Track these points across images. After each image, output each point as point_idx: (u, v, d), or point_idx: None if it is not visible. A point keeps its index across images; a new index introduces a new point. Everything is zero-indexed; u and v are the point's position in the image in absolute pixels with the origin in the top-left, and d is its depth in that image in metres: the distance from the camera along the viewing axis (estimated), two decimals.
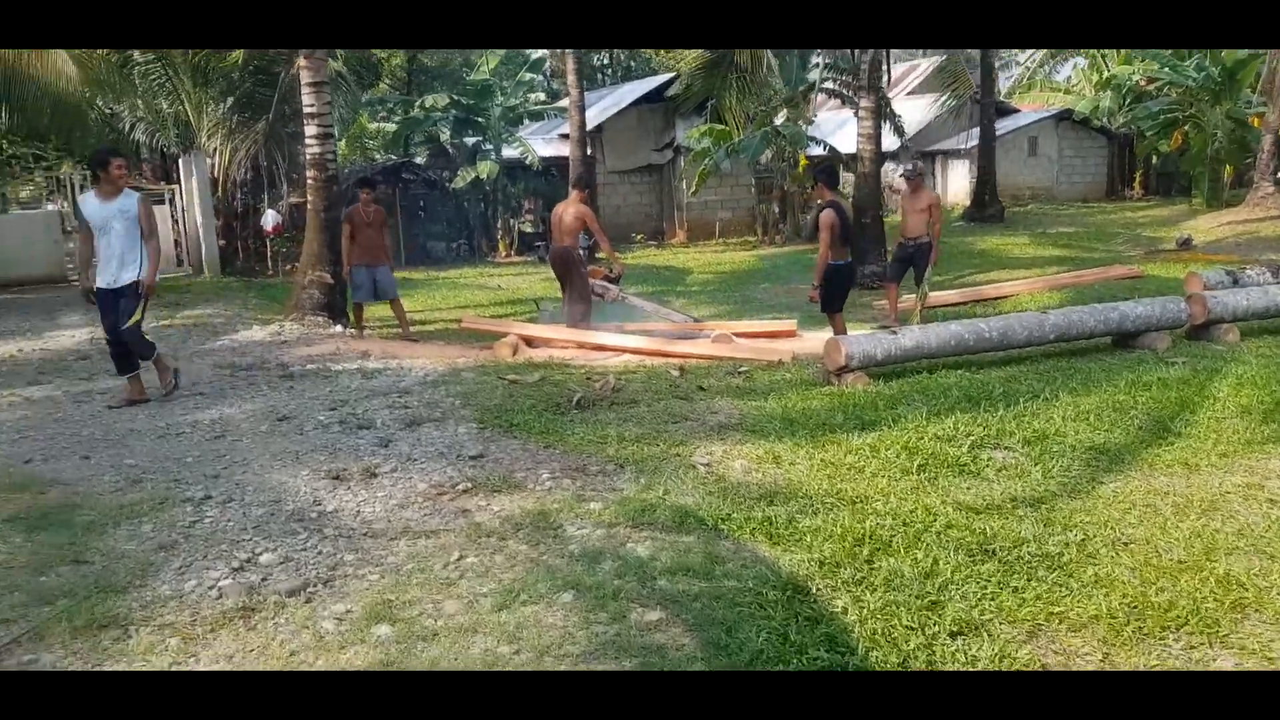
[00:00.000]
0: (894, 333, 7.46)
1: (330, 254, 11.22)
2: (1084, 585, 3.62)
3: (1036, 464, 5.07)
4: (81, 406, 6.92)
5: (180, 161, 17.82)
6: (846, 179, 18.24)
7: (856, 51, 13.46)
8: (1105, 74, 31.43)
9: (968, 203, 25.79)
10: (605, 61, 36.10)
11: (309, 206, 11.37)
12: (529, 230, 22.82)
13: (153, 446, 5.64)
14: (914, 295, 10.58)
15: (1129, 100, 30.51)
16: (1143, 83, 30.33)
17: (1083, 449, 5.29)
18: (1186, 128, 26.28)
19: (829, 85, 22.08)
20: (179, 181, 17.81)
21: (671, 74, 23.65)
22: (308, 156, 11.29)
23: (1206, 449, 5.23)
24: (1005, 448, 5.42)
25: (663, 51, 35.71)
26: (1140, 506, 4.44)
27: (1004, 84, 36.02)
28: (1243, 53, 24.23)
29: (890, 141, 24.94)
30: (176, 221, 17.75)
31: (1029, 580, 3.66)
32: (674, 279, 16.41)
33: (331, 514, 4.45)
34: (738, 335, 9.62)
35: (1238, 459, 5.08)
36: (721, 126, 20.50)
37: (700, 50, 16.48)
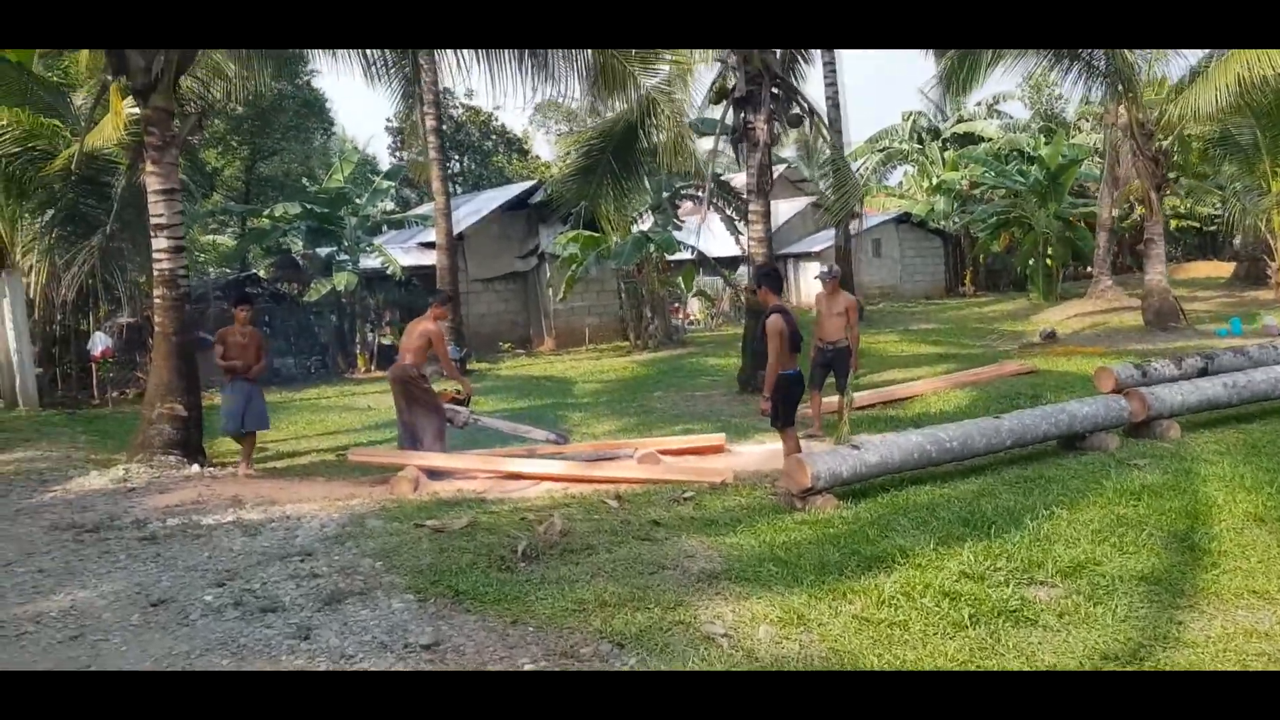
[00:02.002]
0: (855, 447, 6.81)
1: (183, 382, 9.75)
2: None
3: (1095, 604, 4.42)
4: None
5: None
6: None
7: (740, 157, 13.27)
8: (934, 179, 33.24)
9: None
10: (457, 170, 35.48)
11: (158, 329, 9.89)
12: (388, 343, 21.45)
13: None
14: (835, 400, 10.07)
15: (957, 204, 32.34)
16: (965, 186, 32.29)
17: (1130, 580, 4.69)
18: (1014, 229, 27.93)
19: (690, 191, 22.12)
20: None
21: (533, 181, 23.22)
22: (156, 273, 9.87)
23: (1259, 571, 4.72)
24: (1043, 583, 4.77)
25: (516, 160, 35.57)
26: (1252, 654, 3.81)
27: None
28: (1064, 158, 26.06)
29: (733, 246, 25.27)
30: None
31: None
32: (559, 390, 15.50)
33: None
34: (662, 452, 8.79)
35: None
36: (589, 233, 20.07)
37: (572, 156, 16.10)
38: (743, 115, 12.41)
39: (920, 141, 35.91)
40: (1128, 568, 4.88)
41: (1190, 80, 15.77)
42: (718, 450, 9.00)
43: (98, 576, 5.47)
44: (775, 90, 12.30)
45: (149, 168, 9.81)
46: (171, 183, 9.86)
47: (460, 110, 34.58)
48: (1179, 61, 17.25)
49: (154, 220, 9.77)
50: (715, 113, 15.29)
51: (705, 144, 16.70)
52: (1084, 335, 17.91)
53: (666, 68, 9.61)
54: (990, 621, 4.28)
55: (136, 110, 12.33)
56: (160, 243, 9.77)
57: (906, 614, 4.36)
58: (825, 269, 10.10)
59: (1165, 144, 16.46)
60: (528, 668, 3.90)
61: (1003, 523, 5.70)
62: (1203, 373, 10.19)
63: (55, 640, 4.42)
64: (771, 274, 7.25)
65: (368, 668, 3.93)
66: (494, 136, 36.26)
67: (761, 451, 8.96)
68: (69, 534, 6.66)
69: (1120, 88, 15.36)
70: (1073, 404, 8.00)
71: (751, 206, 12.79)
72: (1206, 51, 15.32)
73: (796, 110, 12.89)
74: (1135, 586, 4.60)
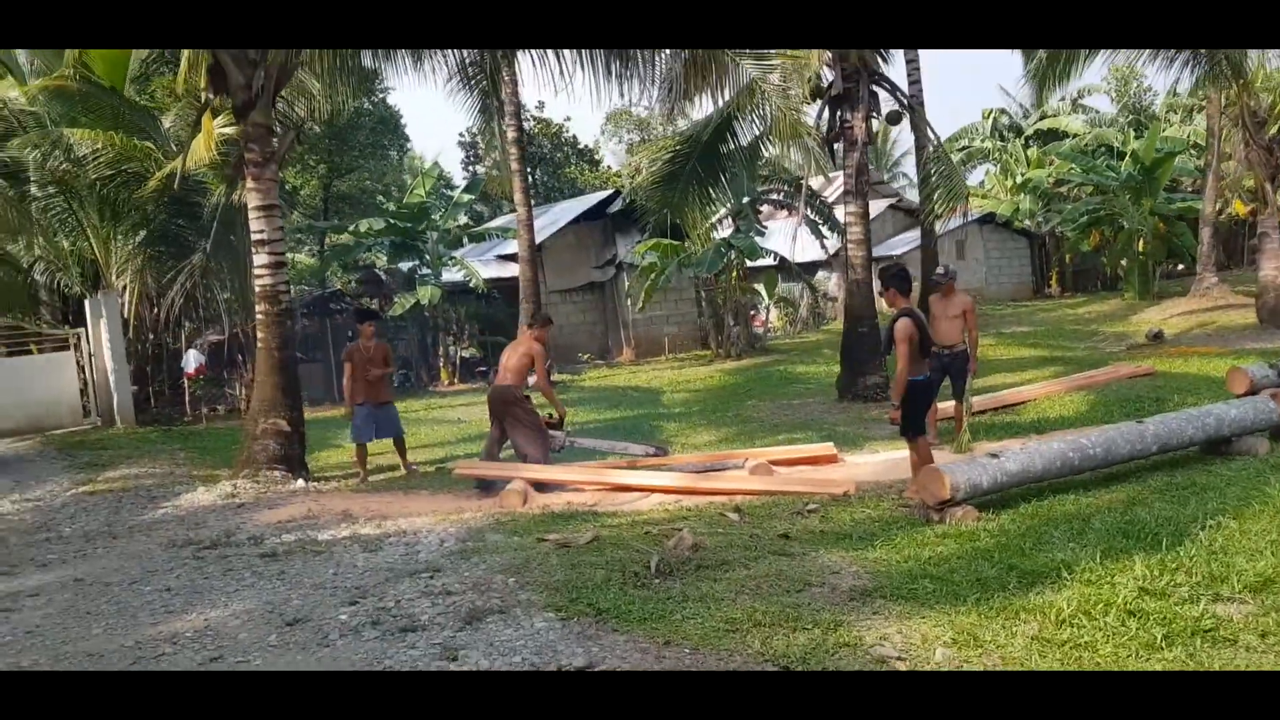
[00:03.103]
0: (994, 455, 6.44)
1: (286, 398, 9.78)
2: None
3: None
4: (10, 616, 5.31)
5: (87, 303, 16.07)
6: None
7: (837, 157, 12.93)
8: (1018, 178, 32.33)
9: None
10: (530, 182, 35.61)
11: (260, 344, 9.93)
12: (468, 355, 21.51)
13: None
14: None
15: (1042, 203, 31.40)
16: (1051, 184, 31.34)
17: None
18: (1104, 227, 26.96)
19: (773, 195, 21.77)
20: (85, 324, 16.02)
21: (610, 190, 23.10)
22: (258, 289, 9.92)
23: None
24: (1231, 599, 4.38)
25: (588, 170, 35.58)
26: None
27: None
28: (1160, 151, 25.06)
29: (818, 250, 24.82)
30: (83, 369, 15.90)
31: None
32: (648, 401, 15.29)
33: None
34: (773, 463, 8.50)
35: None
36: (668, 241, 19.87)
37: (646, 165, 15.91)
38: (839, 113, 12.08)
39: (1002, 139, 35.00)
40: None
41: None
42: (831, 460, 8.68)
43: (226, 595, 5.38)
44: (872, 88, 11.96)
45: (249, 184, 9.87)
46: (271, 199, 9.90)
47: (531, 122, 34.72)
48: None
49: (255, 236, 9.82)
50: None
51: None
52: (1193, 335, 17.12)
53: (776, 61, 9.31)
54: (1186, 642, 3.92)
55: (228, 130, 12.54)
56: (261, 258, 9.81)
57: (1090, 635, 4.02)
58: (941, 270, 9.67)
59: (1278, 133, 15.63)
60: None
61: (1167, 534, 5.30)
62: None
63: (195, 663, 4.31)
64: (900, 274, 6.89)
65: None
66: (565, 148, 36.32)
67: (878, 461, 8.62)
68: (187, 550, 6.64)
69: (1229, 74, 14.62)
70: (1219, 406, 7.51)
71: (849, 208, 12.45)
72: None
73: (896, 107, 12.52)
74: None
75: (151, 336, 17.98)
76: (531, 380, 9.25)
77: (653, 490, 7.99)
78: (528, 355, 9.07)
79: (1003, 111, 36.01)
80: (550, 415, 9.26)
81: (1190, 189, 29.58)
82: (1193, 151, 29.40)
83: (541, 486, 8.28)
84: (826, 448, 8.86)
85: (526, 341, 9.27)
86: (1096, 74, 45.00)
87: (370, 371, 9.96)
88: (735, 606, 4.58)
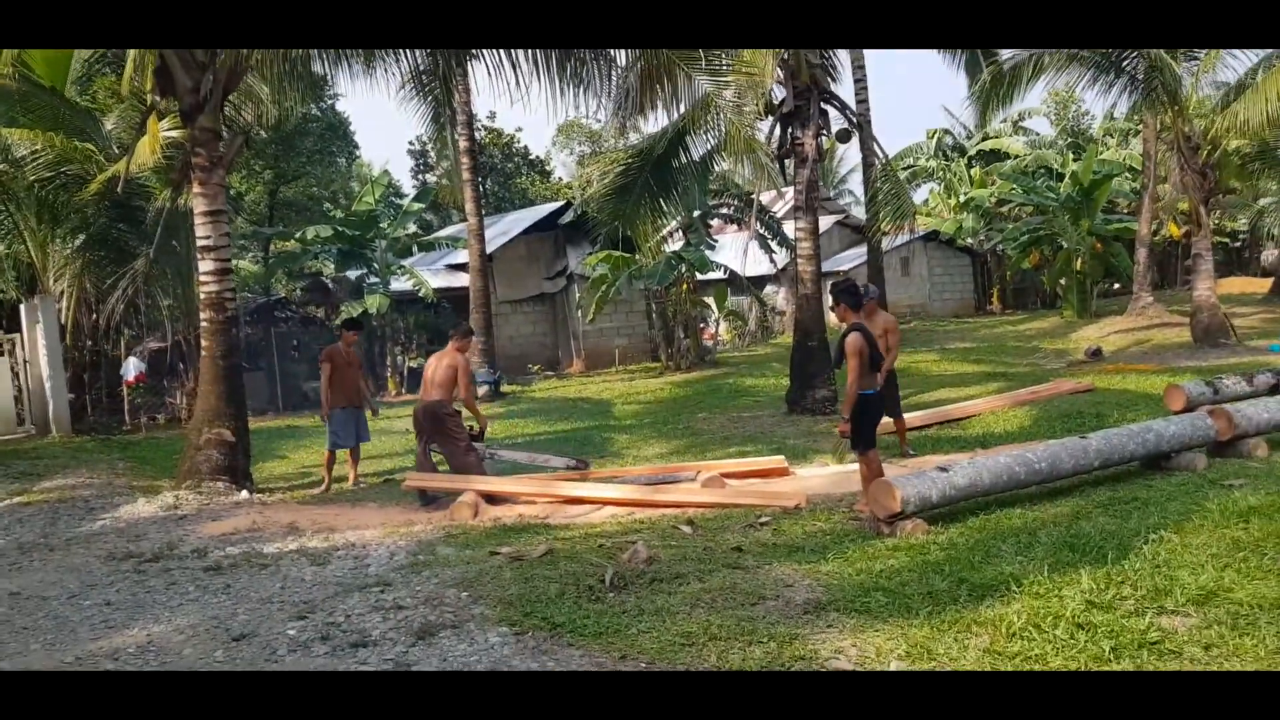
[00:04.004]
0: (944, 469, 6.53)
1: (230, 407, 9.58)
2: None
3: (1240, 635, 4.13)
4: None
5: (23, 307, 15.60)
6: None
7: (787, 173, 13.06)
8: (961, 197, 32.99)
9: None
10: (481, 191, 35.43)
11: (204, 352, 9.71)
12: (416, 366, 21.26)
13: None
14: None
15: (984, 222, 32.07)
16: (993, 203, 32.05)
17: (1269, 608, 4.40)
18: (1044, 246, 27.63)
19: (723, 210, 21.93)
20: (20, 330, 15.54)
21: (561, 202, 23.06)
22: (203, 296, 9.70)
23: None
24: (1175, 612, 4.48)
25: (538, 181, 35.53)
26: None
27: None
28: (1097, 173, 25.77)
29: (767, 264, 25.03)
30: (17, 375, 15.41)
31: None
32: (599, 412, 15.26)
33: None
34: (724, 475, 8.53)
35: None
36: (619, 253, 19.89)
37: (598, 177, 15.93)
38: (790, 130, 12.22)
39: (946, 158, 35.69)
40: (1261, 595, 4.58)
41: (1236, 93, 15.52)
42: (782, 473, 8.74)
43: (169, 609, 5.24)
44: (823, 105, 12.12)
45: (196, 189, 9.68)
46: (218, 204, 9.73)
47: (483, 132, 34.58)
48: (1225, 72, 16.98)
49: (201, 241, 9.63)
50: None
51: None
52: (1130, 353, 17.58)
53: (731, 77, 9.37)
54: (1133, 654, 4.00)
55: (174, 133, 12.27)
56: (207, 265, 9.62)
57: (1041, 647, 4.08)
58: (864, 289, 9.78)
59: (1214, 157, 16.15)
60: None
61: (1112, 547, 5.42)
62: (1274, 390, 9.92)
63: None
64: (850, 289, 6.98)
65: None
66: (516, 158, 36.24)
67: (828, 474, 8.69)
68: (128, 564, 6.47)
69: (1164, 100, 15.11)
70: (1158, 423, 7.71)
71: (799, 223, 12.58)
72: (1258, 58, 15.11)
73: (845, 125, 12.70)
74: (1279, 615, 4.31)
75: (90, 343, 17.49)
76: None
77: (605, 503, 7.96)
78: (451, 368, 8.90)
79: (947, 132, 36.73)
80: (472, 427, 9.16)
81: (1126, 210, 30.46)
82: (1129, 174, 30.26)
83: (492, 499, 8.20)
84: (776, 461, 8.92)
85: (449, 354, 9.05)
86: (1037, 97, 46.10)
87: (347, 373, 10.05)
88: (690, 620, 4.58)
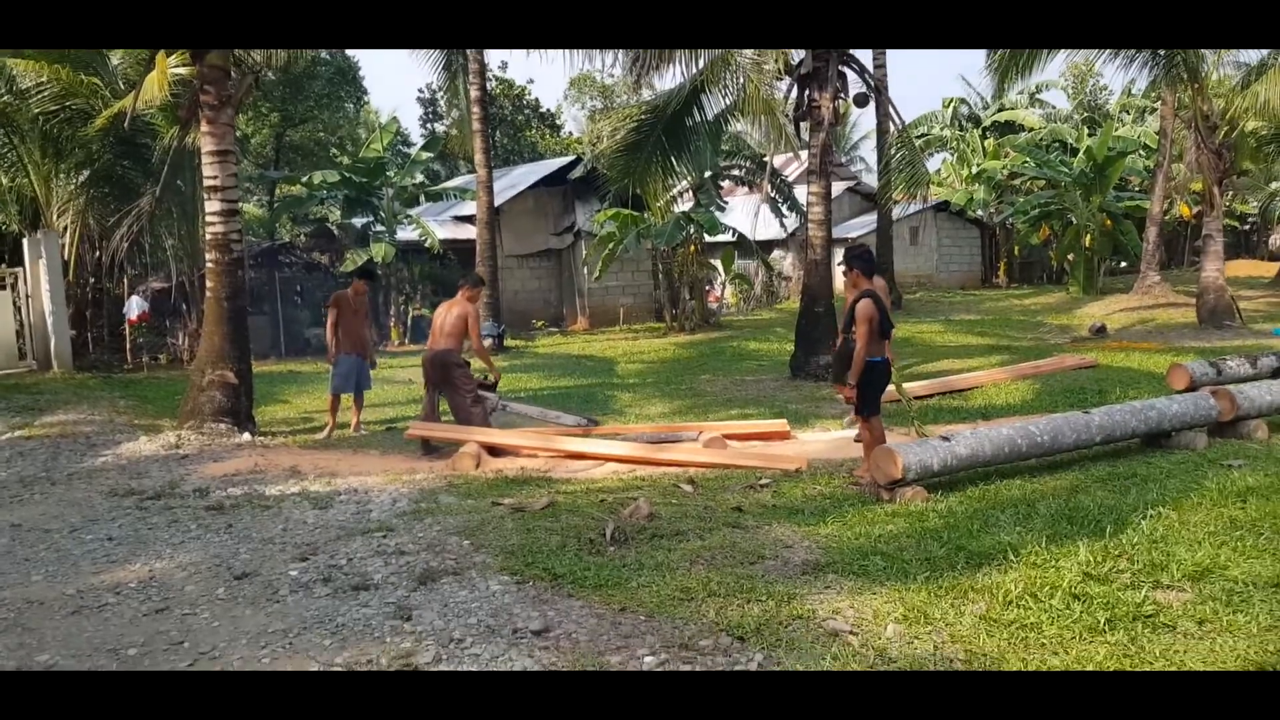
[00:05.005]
0: (945, 438, 6.55)
1: (234, 349, 9.58)
2: None
3: (1234, 611, 4.16)
4: None
5: (25, 241, 15.54)
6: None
7: (800, 136, 12.93)
8: (974, 168, 32.73)
9: None
10: (490, 143, 35.15)
11: (209, 293, 9.69)
12: (420, 315, 21.25)
13: (68, 630, 4.03)
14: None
15: (995, 194, 31.86)
16: (1005, 176, 31.80)
17: (1265, 586, 4.43)
18: (1054, 221, 27.46)
19: (735, 171, 21.76)
20: (23, 264, 15.50)
21: (571, 157, 22.88)
22: (209, 236, 9.67)
23: None
24: (1170, 587, 4.51)
25: (549, 135, 35.21)
26: None
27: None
28: (1112, 150, 25.53)
29: (776, 229, 24.88)
30: (19, 309, 15.39)
31: None
32: (602, 370, 15.26)
33: None
34: (727, 437, 8.55)
35: None
36: (628, 211, 19.78)
37: (608, 133, 15.79)
38: (808, 92, 12.08)
39: (960, 128, 35.37)
40: (1256, 573, 4.61)
41: (1258, 73, 15.33)
42: (784, 436, 8.75)
43: (171, 546, 5.28)
44: (841, 68, 11.97)
45: (204, 128, 9.60)
46: (227, 144, 9.65)
47: (494, 82, 34.21)
48: (1247, 51, 16.74)
49: (208, 181, 9.57)
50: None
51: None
52: (1135, 331, 17.55)
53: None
54: (1127, 627, 4.03)
55: (182, 70, 12.13)
56: (214, 205, 9.57)
57: (1036, 616, 4.12)
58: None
59: (1231, 138, 15.99)
60: (647, 659, 3.68)
61: (1110, 521, 5.44)
62: (1277, 373, 9.91)
63: (140, 613, 4.22)
64: (864, 255, 6.93)
65: (478, 653, 3.71)
66: (526, 111, 35.89)
67: (829, 439, 8.72)
68: (130, 500, 6.50)
69: (1185, 77, 14.92)
70: (1161, 401, 7.70)
71: (811, 188, 12.48)
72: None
73: (863, 89, 12.55)
74: (1273, 593, 4.34)
75: (92, 280, 17.46)
76: (467, 344, 9.11)
77: (607, 459, 7.99)
78: (462, 318, 8.87)
79: (963, 101, 36.37)
80: (485, 377, 9.17)
81: (1138, 188, 30.23)
82: (1143, 152, 30.00)
83: (494, 451, 8.23)
84: (779, 424, 8.93)
85: (460, 303, 8.99)
86: (1055, 70, 45.62)
87: (352, 320, 10.00)
88: (690, 575, 4.62)
